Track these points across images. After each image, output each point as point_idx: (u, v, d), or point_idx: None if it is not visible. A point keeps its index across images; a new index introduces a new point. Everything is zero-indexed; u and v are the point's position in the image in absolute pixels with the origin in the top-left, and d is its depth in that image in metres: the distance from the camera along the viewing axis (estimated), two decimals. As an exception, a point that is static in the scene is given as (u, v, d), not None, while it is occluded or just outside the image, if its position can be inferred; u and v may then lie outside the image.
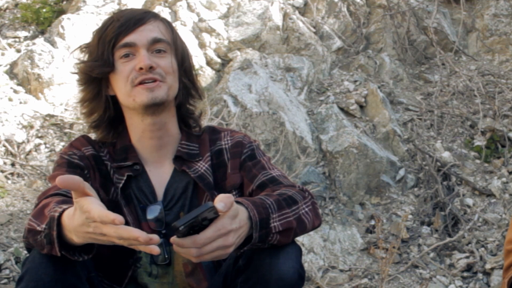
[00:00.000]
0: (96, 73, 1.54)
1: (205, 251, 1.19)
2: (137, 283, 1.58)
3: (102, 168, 1.58)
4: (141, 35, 1.53)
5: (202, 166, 1.60)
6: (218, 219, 1.20)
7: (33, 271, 1.29)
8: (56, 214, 1.23)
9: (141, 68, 1.51)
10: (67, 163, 1.54)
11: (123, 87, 1.53)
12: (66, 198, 1.38)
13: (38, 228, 1.28)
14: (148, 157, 1.61)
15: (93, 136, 1.70)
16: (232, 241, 1.23)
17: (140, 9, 1.66)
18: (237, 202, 1.29)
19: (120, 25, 1.53)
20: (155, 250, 1.11)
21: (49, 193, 1.42)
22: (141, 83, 1.52)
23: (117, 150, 1.61)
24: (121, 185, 1.56)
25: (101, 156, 1.59)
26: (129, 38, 1.52)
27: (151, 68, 1.51)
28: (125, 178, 1.57)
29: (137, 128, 1.58)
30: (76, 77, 1.62)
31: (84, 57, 1.61)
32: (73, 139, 1.76)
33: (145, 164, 1.60)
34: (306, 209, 1.44)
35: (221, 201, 1.20)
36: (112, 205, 1.53)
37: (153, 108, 1.53)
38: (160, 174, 1.60)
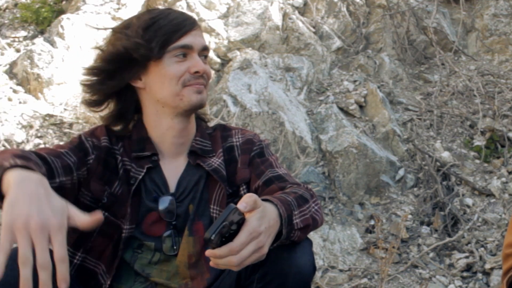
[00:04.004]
0: (138, 54, 1.54)
1: (244, 256, 1.22)
2: (130, 268, 1.59)
3: (111, 161, 1.60)
4: (196, 40, 1.59)
5: (216, 161, 1.66)
6: (246, 223, 1.23)
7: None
8: (6, 164, 1.23)
9: (196, 72, 1.56)
10: (78, 144, 1.57)
11: (173, 85, 1.56)
12: (36, 158, 1.39)
13: None
14: (165, 151, 1.64)
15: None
16: (264, 241, 1.25)
17: (184, 12, 1.71)
18: (266, 200, 1.33)
19: (179, 23, 1.57)
20: None
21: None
22: (191, 85, 1.57)
23: (134, 141, 1.64)
24: (140, 177, 1.59)
25: (114, 150, 1.62)
26: (187, 40, 1.57)
27: (203, 73, 1.59)
28: (144, 171, 1.60)
29: (162, 125, 1.62)
30: (98, 52, 1.61)
31: (115, 38, 1.59)
32: (71, 136, 1.77)
33: (160, 156, 1.64)
34: (316, 207, 1.49)
35: (243, 201, 1.23)
36: (112, 198, 1.56)
37: (194, 110, 1.61)
38: (173, 167, 1.64)
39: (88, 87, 1.61)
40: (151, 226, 1.59)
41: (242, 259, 1.22)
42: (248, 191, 1.63)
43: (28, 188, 1.17)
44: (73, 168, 1.51)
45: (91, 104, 1.64)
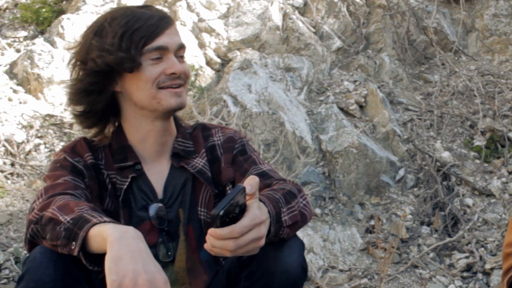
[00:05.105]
0: (124, 67, 1.49)
1: (242, 243, 1.21)
2: None
3: (100, 178, 1.57)
4: (171, 39, 1.53)
5: (200, 162, 1.63)
6: (249, 209, 1.22)
7: (33, 271, 1.29)
8: (95, 221, 1.26)
9: (173, 73, 1.52)
10: (72, 167, 1.53)
11: (148, 88, 1.51)
12: (81, 201, 1.41)
13: (61, 219, 1.29)
14: (147, 156, 1.61)
15: (90, 134, 1.69)
16: (264, 232, 1.25)
17: (158, 8, 1.65)
18: None
19: (152, 24, 1.51)
20: None
21: (58, 190, 1.43)
22: (168, 87, 1.53)
23: (115, 150, 1.60)
24: (125, 186, 1.56)
25: (99, 165, 1.59)
26: (161, 41, 1.51)
27: (180, 74, 1.54)
28: (129, 180, 1.57)
29: (143, 129, 1.58)
30: (81, 67, 1.55)
31: (92, 48, 1.52)
32: (72, 139, 1.75)
33: (143, 162, 1.61)
34: (304, 202, 1.47)
35: (247, 183, 1.22)
36: (106, 214, 1.52)
37: (173, 112, 1.57)
38: (158, 172, 1.61)
39: (74, 100, 1.58)
40: (146, 236, 1.57)
41: (239, 245, 1.20)
42: None
43: (130, 244, 1.20)
44: (88, 195, 1.50)
45: (81, 116, 1.60)
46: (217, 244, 1.21)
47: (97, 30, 1.53)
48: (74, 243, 1.25)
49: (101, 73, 1.52)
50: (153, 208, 1.57)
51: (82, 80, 1.55)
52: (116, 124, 1.64)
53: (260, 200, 1.32)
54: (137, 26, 1.50)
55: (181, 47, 1.56)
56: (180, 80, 1.54)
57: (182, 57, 1.57)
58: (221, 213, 1.16)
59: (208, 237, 1.21)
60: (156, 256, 1.55)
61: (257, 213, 1.23)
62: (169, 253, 1.57)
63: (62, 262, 1.30)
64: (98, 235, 1.23)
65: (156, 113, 1.55)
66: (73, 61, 1.57)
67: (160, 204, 1.58)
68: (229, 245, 1.20)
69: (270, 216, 1.32)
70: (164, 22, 1.53)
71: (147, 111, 1.55)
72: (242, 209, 1.22)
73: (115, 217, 1.53)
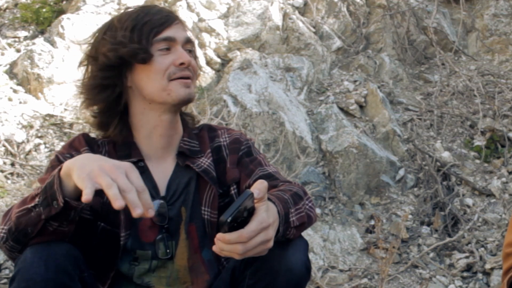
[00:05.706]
0: (138, 58, 1.52)
1: (250, 246, 1.21)
2: (129, 281, 1.57)
3: None
4: (178, 32, 1.58)
5: (205, 161, 1.63)
6: (257, 212, 1.23)
7: (24, 271, 1.29)
8: (56, 171, 1.28)
9: (181, 64, 1.54)
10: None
11: (159, 80, 1.53)
12: None
13: (29, 206, 1.30)
14: (152, 153, 1.61)
15: (93, 134, 1.69)
16: (272, 234, 1.25)
17: (164, 7, 1.71)
18: None
19: (161, 17, 1.56)
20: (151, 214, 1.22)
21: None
22: (177, 78, 1.55)
23: (119, 146, 1.60)
24: None
25: None
26: (170, 32, 1.56)
27: (189, 65, 1.56)
28: None
29: (149, 124, 1.59)
30: (91, 63, 1.58)
31: (103, 43, 1.55)
32: (71, 136, 1.74)
33: (147, 160, 1.61)
34: (310, 204, 1.49)
35: (255, 187, 1.23)
36: (105, 208, 1.52)
37: (182, 105, 1.58)
38: (162, 170, 1.61)
39: (89, 100, 1.60)
40: (147, 232, 1.57)
41: (247, 248, 1.21)
42: (238, 191, 1.62)
43: (88, 156, 1.26)
44: None
45: (99, 117, 1.63)
46: (226, 248, 1.22)
47: (107, 28, 1.58)
48: (55, 202, 1.26)
49: (113, 67, 1.54)
50: (154, 205, 1.55)
51: (95, 76, 1.58)
52: (122, 121, 1.63)
53: (270, 200, 1.33)
54: (146, 19, 1.55)
55: (189, 41, 1.60)
56: (189, 72, 1.56)
57: (190, 51, 1.60)
58: (228, 220, 1.17)
59: (216, 241, 1.22)
60: (155, 254, 1.56)
61: (264, 217, 1.23)
62: (168, 250, 1.57)
63: (54, 261, 1.29)
64: (65, 176, 1.25)
65: (166, 106, 1.56)
66: (84, 59, 1.60)
67: (162, 201, 1.58)
68: (238, 249, 1.21)
69: (279, 216, 1.32)
70: (171, 16, 1.59)
71: (156, 104, 1.56)
72: (250, 213, 1.23)
73: (115, 211, 1.52)
